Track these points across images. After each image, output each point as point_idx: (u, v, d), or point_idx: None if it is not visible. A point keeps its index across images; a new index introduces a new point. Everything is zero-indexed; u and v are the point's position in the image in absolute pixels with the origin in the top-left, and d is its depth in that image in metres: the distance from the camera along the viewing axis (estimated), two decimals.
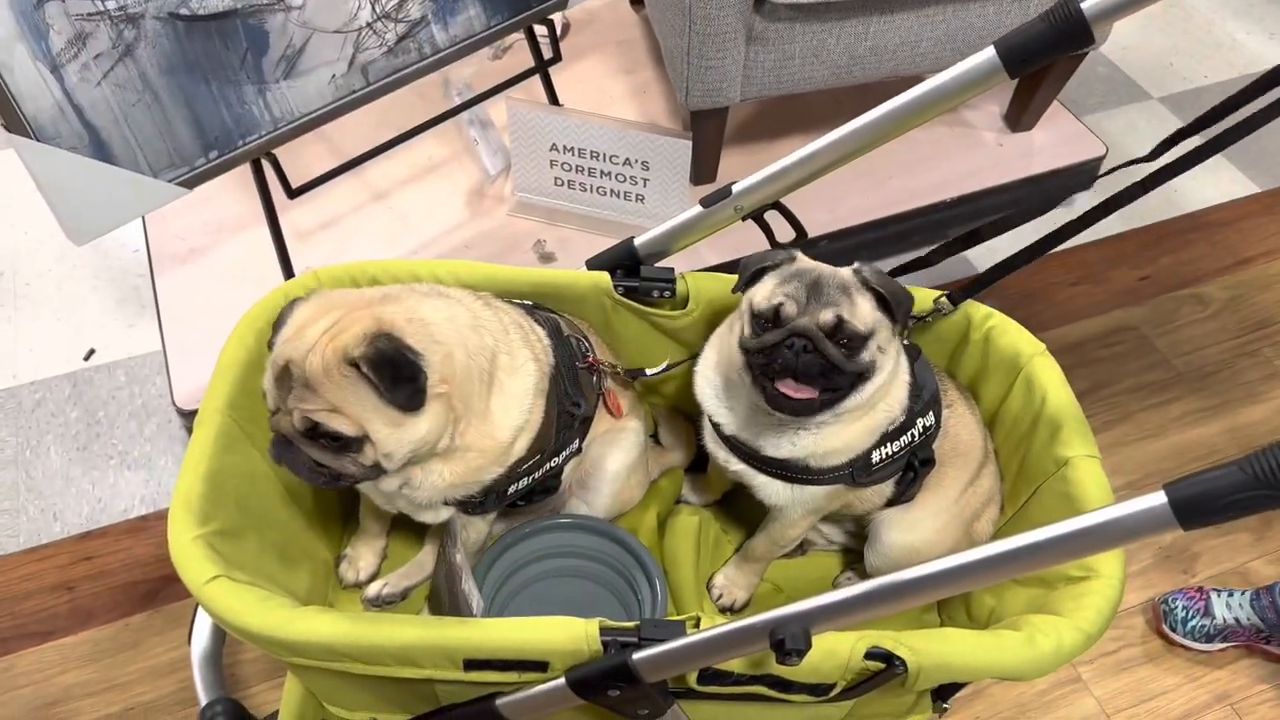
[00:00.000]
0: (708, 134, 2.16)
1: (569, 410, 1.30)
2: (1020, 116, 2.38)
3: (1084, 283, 2.35)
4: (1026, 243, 1.30)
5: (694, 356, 1.40)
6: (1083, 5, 1.10)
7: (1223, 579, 1.86)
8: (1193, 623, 1.73)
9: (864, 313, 1.19)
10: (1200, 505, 0.79)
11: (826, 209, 2.19)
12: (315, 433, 1.10)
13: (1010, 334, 1.36)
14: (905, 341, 1.33)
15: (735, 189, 1.32)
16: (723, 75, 2.04)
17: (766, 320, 1.19)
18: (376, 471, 1.14)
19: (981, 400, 1.43)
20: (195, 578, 1.08)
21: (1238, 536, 1.91)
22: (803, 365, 1.15)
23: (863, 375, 1.19)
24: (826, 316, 1.16)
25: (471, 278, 1.36)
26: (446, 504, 1.26)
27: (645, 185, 2.11)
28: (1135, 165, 1.22)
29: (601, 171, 2.11)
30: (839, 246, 2.18)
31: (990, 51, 1.16)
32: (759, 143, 2.38)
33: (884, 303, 1.21)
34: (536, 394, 1.23)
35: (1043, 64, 1.17)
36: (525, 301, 1.38)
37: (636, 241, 1.40)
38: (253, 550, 1.22)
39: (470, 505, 1.26)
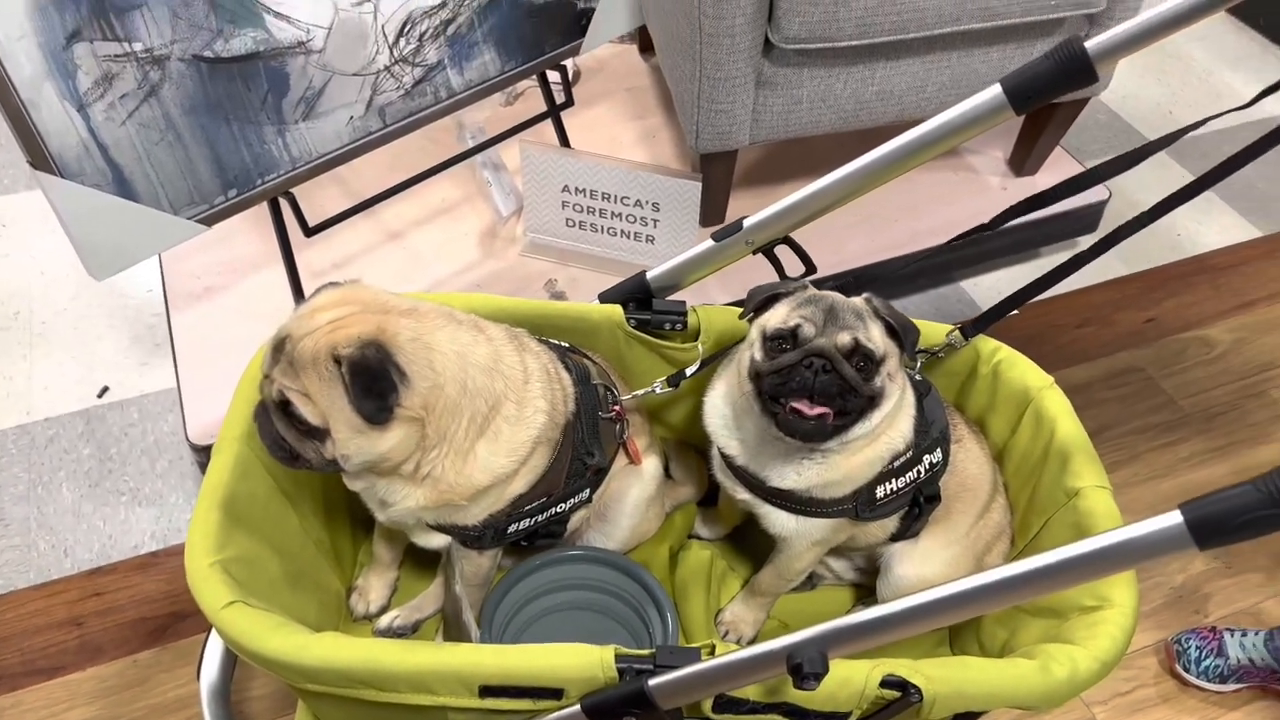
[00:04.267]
0: (717, 176, 2.19)
1: (582, 459, 1.31)
2: (1024, 161, 2.42)
3: (1090, 324, 2.37)
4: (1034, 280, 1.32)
5: (727, 349, 1.40)
6: (1086, 44, 1.14)
7: (1235, 619, 1.84)
8: (1206, 663, 1.72)
9: (877, 337, 1.21)
10: (1216, 524, 0.80)
11: (833, 250, 2.22)
12: (286, 410, 1.12)
13: (1019, 367, 1.38)
14: (917, 376, 1.35)
15: (746, 223, 1.34)
16: (732, 119, 2.08)
17: (783, 341, 1.20)
18: (334, 467, 1.16)
19: (990, 433, 1.44)
20: (212, 603, 1.08)
21: (1249, 577, 1.90)
22: (820, 385, 1.17)
23: (873, 400, 1.20)
24: (844, 339, 1.19)
25: (485, 309, 1.38)
26: (438, 530, 1.26)
27: (655, 226, 2.14)
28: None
29: (613, 213, 2.15)
30: (846, 287, 2.21)
31: (996, 89, 1.19)
32: (766, 185, 2.42)
33: (893, 332, 1.23)
34: (539, 443, 1.24)
35: (1047, 101, 1.20)
36: (563, 344, 1.40)
37: (649, 275, 1.42)
38: (267, 578, 1.22)
39: (467, 538, 1.27)
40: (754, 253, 1.37)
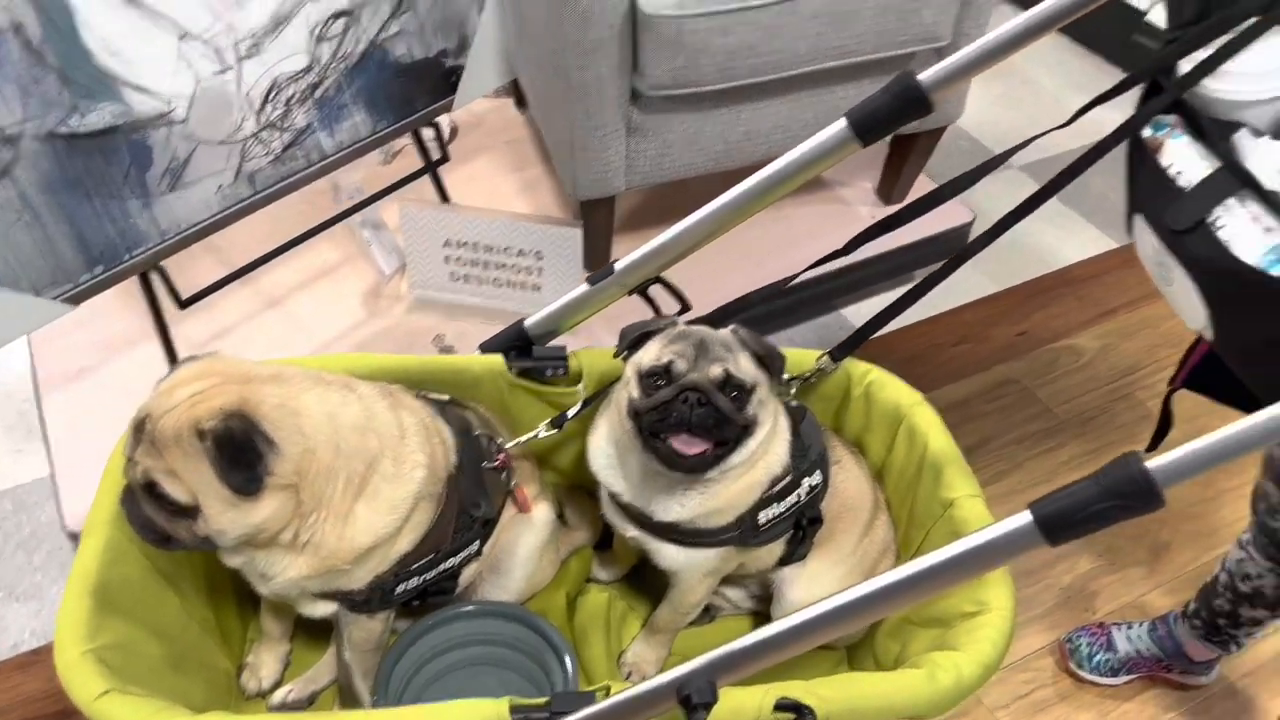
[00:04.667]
0: (597, 222, 2.23)
1: (468, 511, 1.30)
2: (891, 191, 2.52)
3: (966, 342, 2.47)
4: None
5: (606, 389, 1.41)
6: (919, 77, 1.20)
7: (1122, 613, 1.92)
8: (1098, 658, 1.79)
9: (746, 367, 1.26)
10: (1062, 520, 0.84)
11: (712, 288, 2.25)
12: (153, 491, 1.09)
13: (889, 387, 1.43)
14: (793, 403, 1.39)
15: (618, 266, 1.37)
16: (607, 166, 2.12)
17: (657, 378, 1.23)
18: (209, 545, 1.14)
19: (869, 453, 1.48)
20: (84, 694, 1.04)
21: (1131, 571, 1.99)
22: (696, 418, 1.20)
23: (748, 429, 1.24)
24: (716, 371, 1.22)
25: (364, 368, 1.37)
26: (324, 598, 1.24)
27: (540, 274, 2.16)
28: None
29: (496, 264, 2.16)
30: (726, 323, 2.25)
31: (842, 123, 1.24)
32: (648, 228, 2.45)
33: (761, 361, 1.27)
34: (420, 499, 1.23)
35: (891, 131, 1.26)
36: (442, 397, 1.39)
37: (527, 323, 1.44)
38: (146, 663, 1.18)
39: (354, 603, 1.25)
40: (629, 294, 1.40)
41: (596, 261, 2.31)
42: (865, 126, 1.24)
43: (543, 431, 1.39)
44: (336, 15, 1.86)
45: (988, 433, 2.24)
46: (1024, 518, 0.85)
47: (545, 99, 2.16)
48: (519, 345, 1.45)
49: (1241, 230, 0.95)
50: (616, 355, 1.31)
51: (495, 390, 1.45)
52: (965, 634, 1.15)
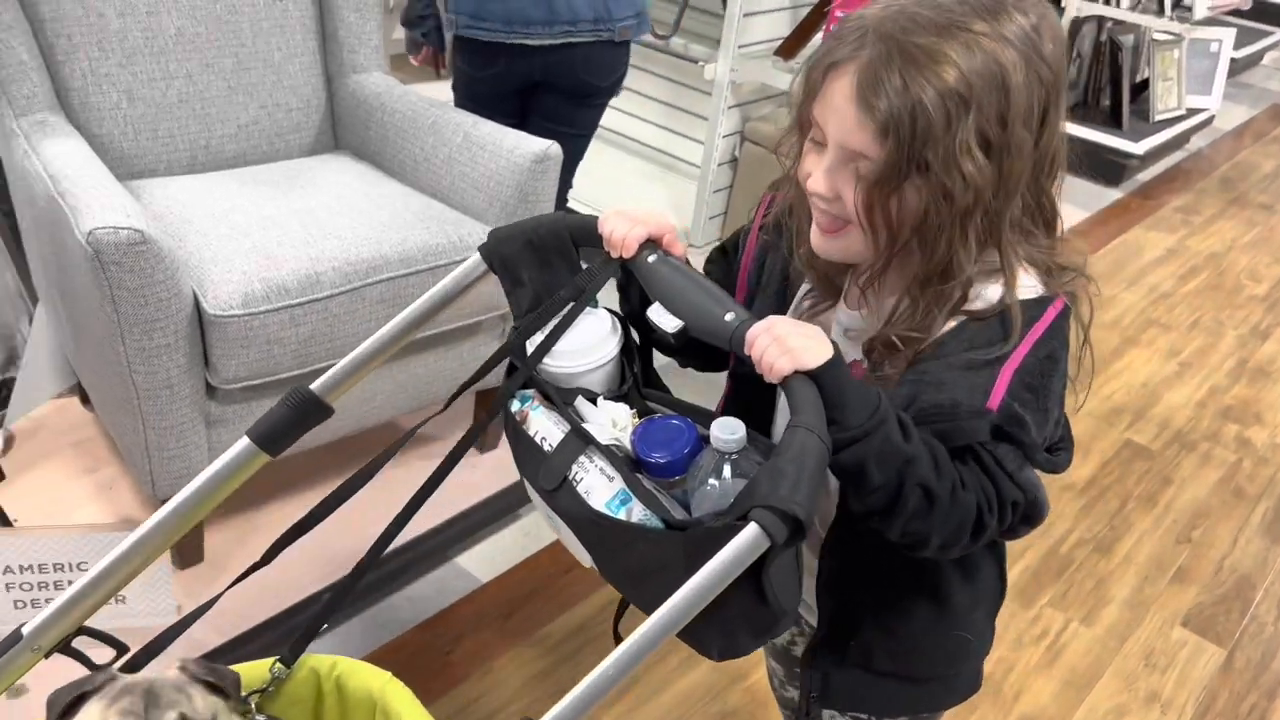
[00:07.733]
0: None
1: None
2: None
3: (575, 567, 2.48)
4: None
5: None
6: (312, 387, 1.27)
7: None
8: None
9: (201, 705, 1.21)
10: None
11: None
12: None
13: (359, 674, 1.40)
14: (259, 717, 1.35)
15: (26, 630, 1.26)
16: (187, 462, 2.09)
17: None
18: None
19: None
20: None
21: None
22: None
23: None
24: (171, 717, 1.18)
25: None
26: None
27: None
28: None
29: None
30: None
31: (245, 441, 1.27)
32: (246, 511, 2.38)
33: (215, 688, 1.24)
34: None
35: (298, 438, 1.30)
36: None
37: None
38: None
39: None
40: (47, 655, 1.27)
41: (190, 557, 2.25)
42: (271, 439, 1.27)
43: None
44: None
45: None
46: None
47: (111, 403, 2.14)
48: None
49: (594, 483, 1.07)
50: None
51: None
52: None
